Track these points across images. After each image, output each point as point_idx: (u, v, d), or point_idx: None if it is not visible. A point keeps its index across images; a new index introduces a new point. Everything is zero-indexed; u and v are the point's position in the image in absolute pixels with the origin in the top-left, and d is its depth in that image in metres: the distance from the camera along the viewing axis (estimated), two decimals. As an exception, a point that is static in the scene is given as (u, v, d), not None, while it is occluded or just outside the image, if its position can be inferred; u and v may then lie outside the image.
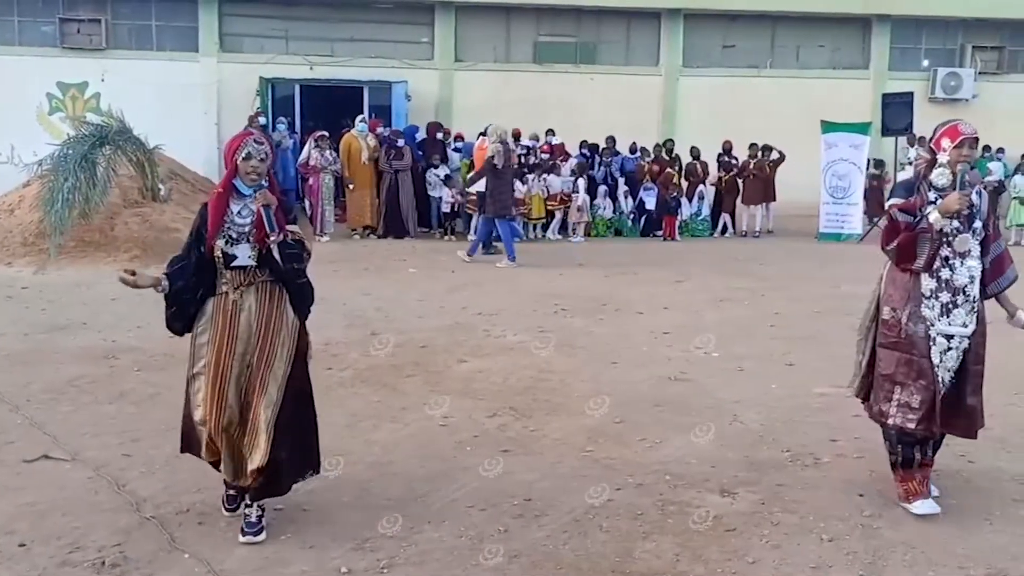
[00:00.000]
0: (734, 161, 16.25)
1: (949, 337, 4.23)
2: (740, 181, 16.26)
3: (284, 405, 3.92)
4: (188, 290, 3.93)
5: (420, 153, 15.16)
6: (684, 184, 16.07)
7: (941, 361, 4.23)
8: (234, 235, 3.88)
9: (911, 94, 16.33)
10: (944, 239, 4.20)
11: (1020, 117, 18.34)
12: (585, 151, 16.53)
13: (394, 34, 18.72)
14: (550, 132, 16.90)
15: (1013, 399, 5.94)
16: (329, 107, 17.17)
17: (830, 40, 19.83)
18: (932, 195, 4.25)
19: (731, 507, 4.33)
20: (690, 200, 16.18)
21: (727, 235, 16.26)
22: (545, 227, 15.31)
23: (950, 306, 4.22)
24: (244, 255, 3.88)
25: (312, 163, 14.24)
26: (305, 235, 4.07)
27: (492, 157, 12.23)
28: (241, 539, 3.92)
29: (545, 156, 15.88)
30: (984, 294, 4.32)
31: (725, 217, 16.40)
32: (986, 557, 3.84)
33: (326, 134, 14.47)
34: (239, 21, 18.30)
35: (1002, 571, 3.73)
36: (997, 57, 19.86)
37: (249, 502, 4.00)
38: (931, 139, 4.43)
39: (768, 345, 7.57)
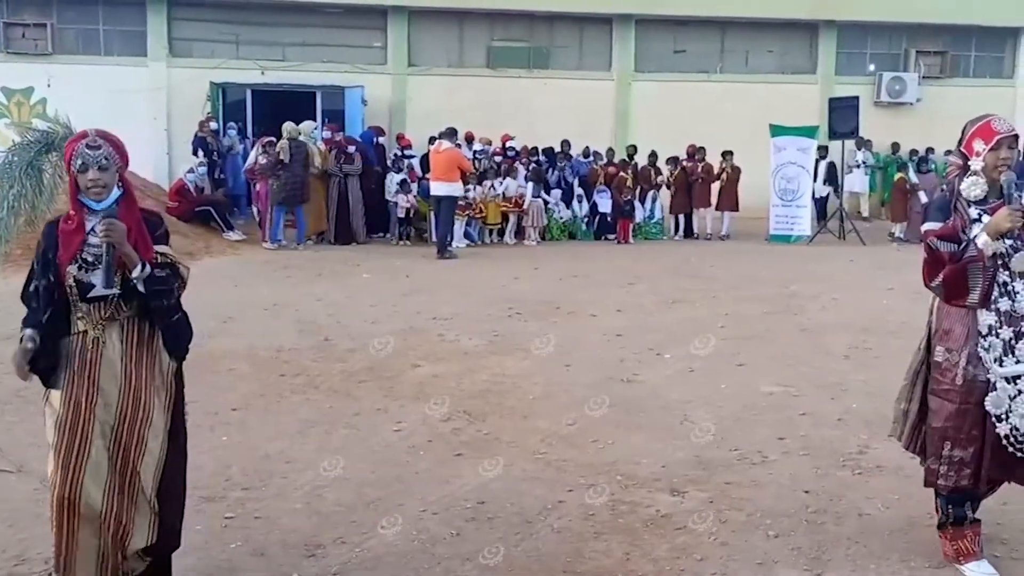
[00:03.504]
0: (671, 166, 16.47)
1: (1016, 379, 3.53)
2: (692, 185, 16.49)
3: (168, 464, 3.27)
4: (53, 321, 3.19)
5: (374, 157, 15.22)
6: (638, 188, 16.23)
7: (1012, 408, 3.53)
8: (89, 259, 3.13)
9: (857, 98, 16.62)
10: (999, 262, 3.54)
11: (962, 120, 18.54)
12: (540, 157, 16.66)
13: (347, 39, 18.63)
14: (509, 137, 16.97)
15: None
16: (281, 112, 17.04)
17: (778, 45, 20.12)
18: (974, 212, 3.58)
19: (680, 506, 4.39)
20: (642, 203, 16.33)
21: (676, 237, 16.44)
22: (501, 232, 15.38)
23: (1013, 341, 3.54)
24: (103, 284, 3.12)
25: (258, 169, 14.12)
26: (176, 257, 3.32)
27: (279, 152, 13.71)
28: None
29: (498, 160, 15.97)
30: None
31: (673, 218, 16.58)
32: (927, 551, 3.93)
33: (273, 139, 14.39)
34: (188, 25, 18.07)
35: (943, 564, 3.82)
36: (940, 61, 20.28)
37: None
38: (960, 141, 3.74)
39: (718, 345, 7.67)
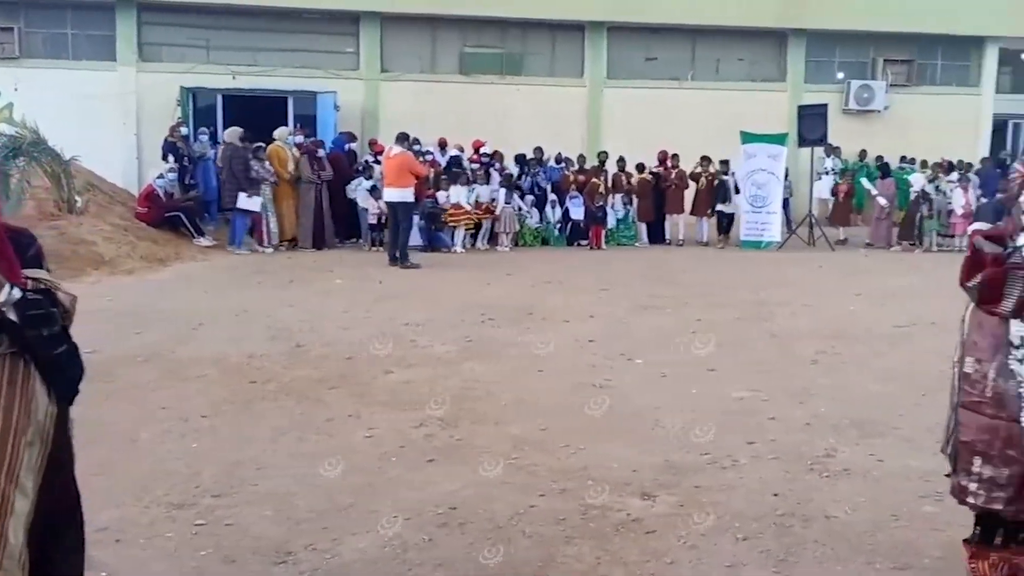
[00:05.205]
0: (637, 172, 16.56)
1: None
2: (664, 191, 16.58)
3: (38, 530, 2.68)
4: None
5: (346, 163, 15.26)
6: (612, 196, 16.28)
7: None
8: None
9: (825, 106, 16.84)
10: None
11: (929, 128, 19.09)
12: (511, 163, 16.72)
13: (319, 44, 18.61)
14: (482, 143, 16.98)
15: (920, 400, 6.17)
16: (252, 117, 16.97)
17: (748, 53, 20.34)
18: None
19: (651, 510, 4.42)
20: (613, 209, 16.39)
21: (639, 243, 16.47)
22: (474, 237, 15.39)
23: None
24: None
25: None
26: (54, 282, 2.77)
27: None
28: None
29: (475, 167, 15.99)
30: None
31: (642, 226, 16.65)
32: (893, 552, 3.98)
33: (263, 145, 14.38)
34: (158, 30, 17.97)
35: (907, 565, 3.87)
36: (907, 70, 20.59)
37: None
38: None
39: (690, 351, 7.73)
